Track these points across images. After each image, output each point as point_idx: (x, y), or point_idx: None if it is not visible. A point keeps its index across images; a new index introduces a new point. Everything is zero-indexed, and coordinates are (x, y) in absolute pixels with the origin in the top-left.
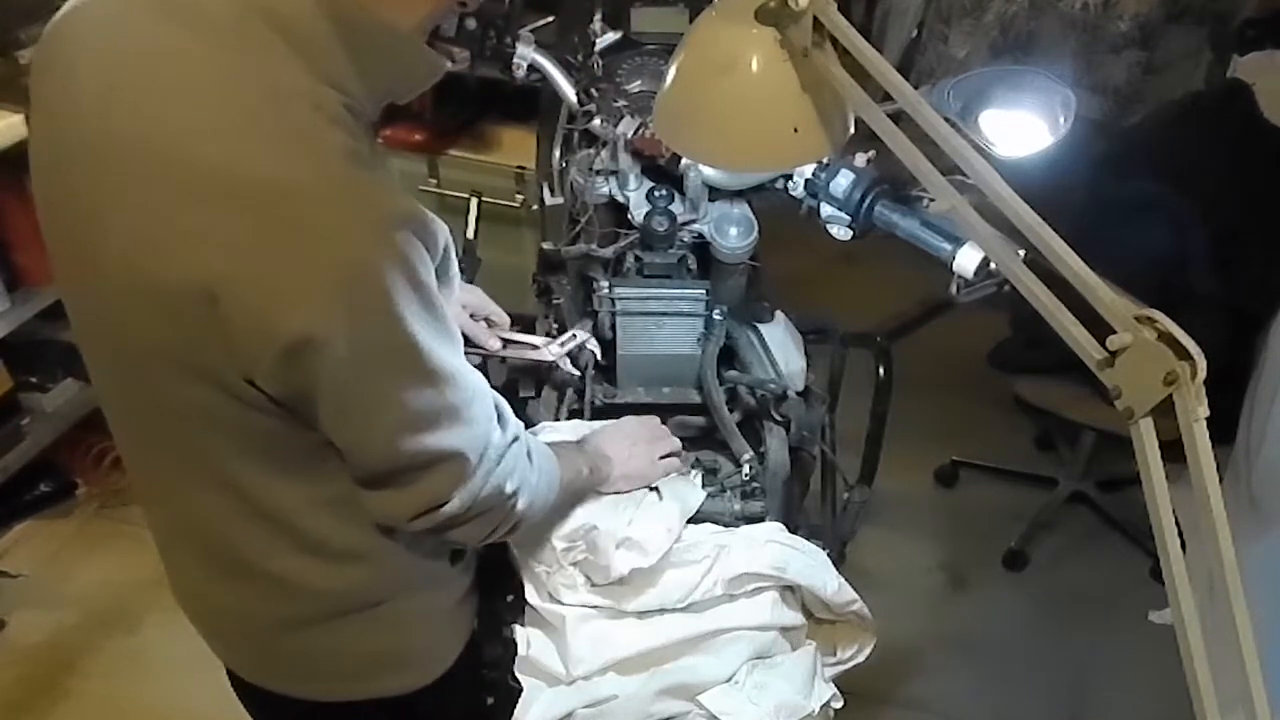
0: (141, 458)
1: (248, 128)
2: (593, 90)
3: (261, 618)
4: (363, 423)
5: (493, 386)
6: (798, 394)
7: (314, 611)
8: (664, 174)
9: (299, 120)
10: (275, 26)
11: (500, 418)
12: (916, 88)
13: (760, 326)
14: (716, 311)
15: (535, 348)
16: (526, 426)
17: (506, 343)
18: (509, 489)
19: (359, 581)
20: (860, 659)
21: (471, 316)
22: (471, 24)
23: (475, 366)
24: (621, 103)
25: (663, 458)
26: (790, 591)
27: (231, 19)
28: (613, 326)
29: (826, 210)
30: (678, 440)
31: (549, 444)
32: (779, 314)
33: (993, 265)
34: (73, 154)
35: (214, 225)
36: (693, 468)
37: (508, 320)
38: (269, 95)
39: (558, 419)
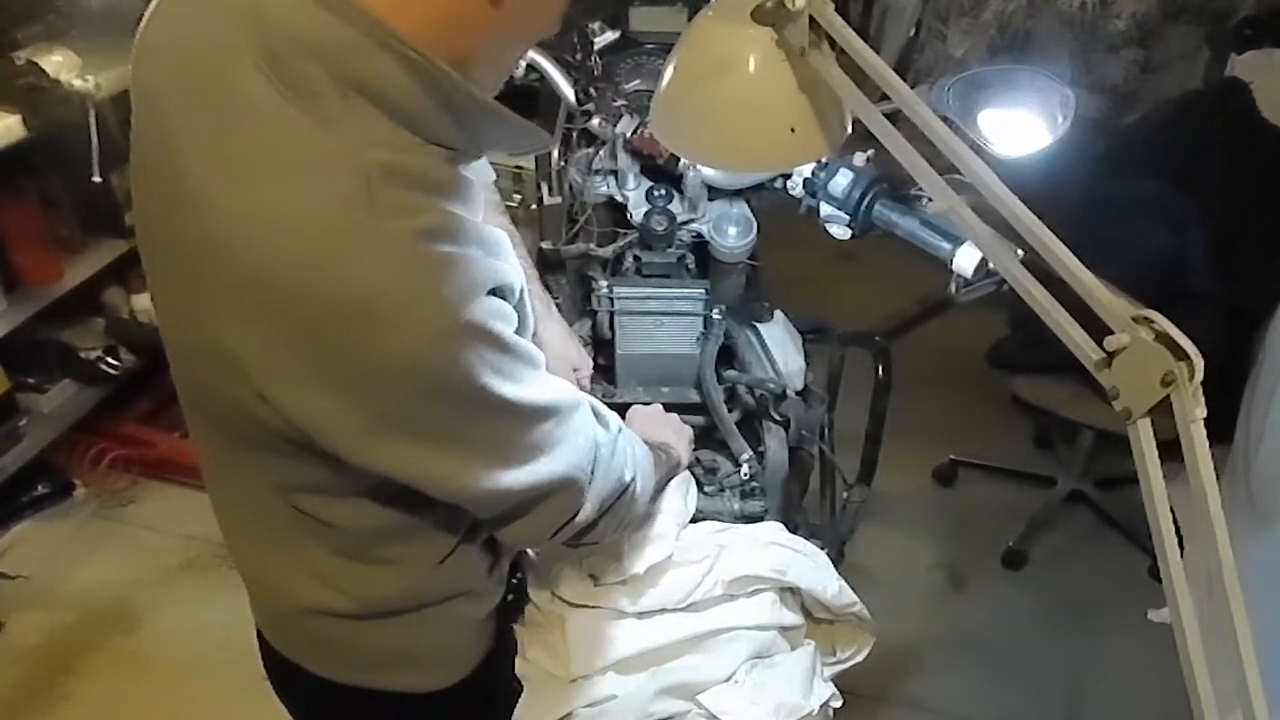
0: (194, 428)
1: (333, 229)
2: (591, 89)
3: (294, 598)
4: (460, 479)
5: None
6: (797, 393)
7: (344, 608)
8: (663, 173)
9: (390, 207)
10: (381, 105)
11: (599, 416)
12: (914, 87)
13: (759, 326)
14: (715, 311)
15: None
16: None
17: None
18: (627, 477)
19: (393, 588)
20: (859, 658)
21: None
22: None
23: None
24: (620, 102)
25: None
26: (790, 592)
27: (335, 95)
28: (611, 326)
29: (825, 209)
30: None
31: None
32: (778, 313)
33: (991, 265)
34: (153, 169)
35: (267, 336)
36: (691, 469)
37: (589, 365)
38: (364, 184)
39: None
